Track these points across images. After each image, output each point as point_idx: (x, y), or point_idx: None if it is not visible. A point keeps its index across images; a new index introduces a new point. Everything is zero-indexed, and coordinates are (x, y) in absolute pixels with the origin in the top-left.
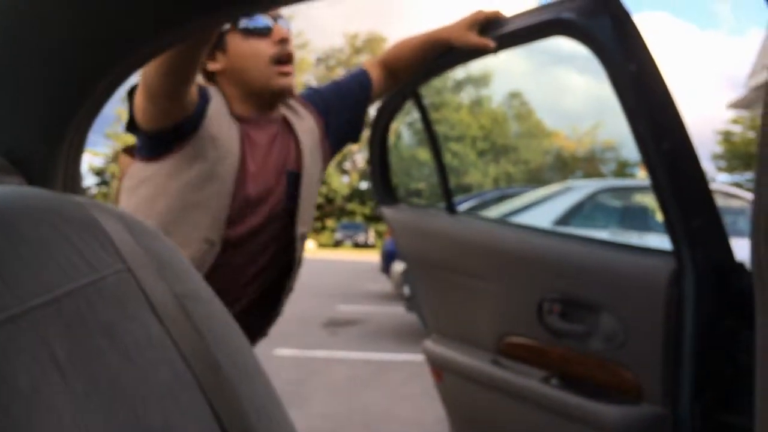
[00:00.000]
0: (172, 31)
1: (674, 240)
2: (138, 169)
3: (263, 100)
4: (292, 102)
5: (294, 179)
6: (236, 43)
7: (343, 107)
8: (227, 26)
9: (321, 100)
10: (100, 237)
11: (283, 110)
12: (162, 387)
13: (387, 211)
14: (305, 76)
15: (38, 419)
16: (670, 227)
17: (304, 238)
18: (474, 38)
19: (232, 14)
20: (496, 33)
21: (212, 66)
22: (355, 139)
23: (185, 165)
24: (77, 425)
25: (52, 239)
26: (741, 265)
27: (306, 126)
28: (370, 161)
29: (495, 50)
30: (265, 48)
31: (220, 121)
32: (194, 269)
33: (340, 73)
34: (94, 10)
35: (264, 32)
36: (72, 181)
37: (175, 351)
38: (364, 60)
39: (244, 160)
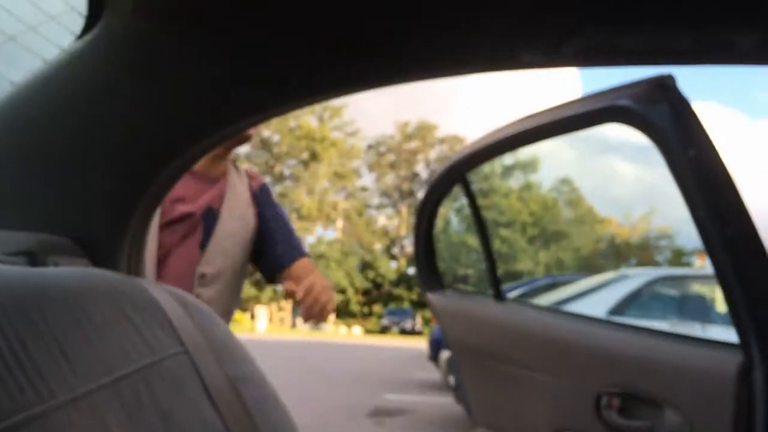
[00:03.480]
0: (230, 127)
1: (741, 331)
2: None
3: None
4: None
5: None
6: None
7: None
8: None
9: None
10: (160, 319)
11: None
12: None
13: (432, 297)
14: (356, 162)
15: None
16: (735, 317)
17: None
18: None
19: (284, 111)
20: (550, 119)
21: None
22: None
23: None
24: None
25: (115, 320)
26: None
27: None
28: (415, 246)
29: (550, 136)
30: None
31: None
32: (248, 352)
33: (390, 159)
34: (162, 104)
35: None
36: (136, 264)
37: None
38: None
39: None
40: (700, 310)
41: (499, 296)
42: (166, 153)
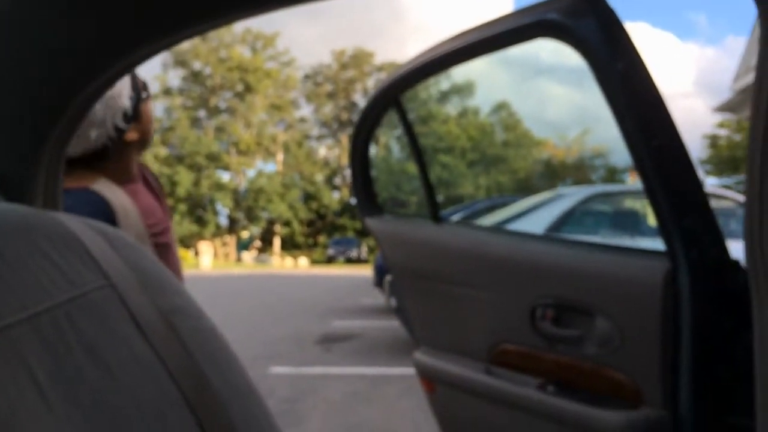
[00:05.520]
0: (150, 45)
1: (667, 239)
2: None
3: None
4: None
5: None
6: (147, 110)
7: None
8: (144, 95)
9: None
10: (80, 252)
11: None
12: (148, 405)
13: (371, 222)
14: (293, 93)
15: None
16: (662, 226)
17: None
18: None
19: (210, 25)
20: (480, 36)
21: (130, 136)
22: None
23: None
24: None
25: (30, 256)
26: (737, 263)
27: None
28: (352, 171)
29: (482, 53)
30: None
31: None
32: (180, 283)
33: (327, 89)
34: (74, 24)
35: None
36: (52, 198)
37: (162, 368)
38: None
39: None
40: (633, 223)
41: (437, 218)
42: (80, 77)
